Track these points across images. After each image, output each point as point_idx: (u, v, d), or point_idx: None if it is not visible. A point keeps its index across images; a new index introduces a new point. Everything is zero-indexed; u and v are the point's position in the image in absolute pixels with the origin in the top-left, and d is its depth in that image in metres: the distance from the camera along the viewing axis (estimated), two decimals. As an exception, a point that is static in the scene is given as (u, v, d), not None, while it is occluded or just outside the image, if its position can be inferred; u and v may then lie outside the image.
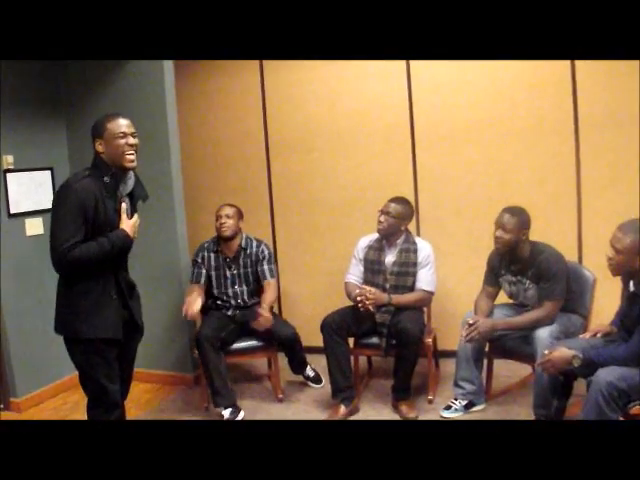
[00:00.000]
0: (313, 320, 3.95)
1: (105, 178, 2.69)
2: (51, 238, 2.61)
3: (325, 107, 4.63)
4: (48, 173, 4.27)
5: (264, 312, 3.77)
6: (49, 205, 4.20)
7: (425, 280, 3.79)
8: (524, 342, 3.41)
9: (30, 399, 4.13)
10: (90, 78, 4.38)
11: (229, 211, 4.08)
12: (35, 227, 4.15)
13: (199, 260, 4.12)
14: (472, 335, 3.38)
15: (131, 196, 2.85)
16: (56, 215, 2.62)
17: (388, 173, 4.49)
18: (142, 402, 4.15)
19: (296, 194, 4.82)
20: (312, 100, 4.66)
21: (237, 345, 3.95)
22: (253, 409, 3.89)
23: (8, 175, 3.97)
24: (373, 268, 3.88)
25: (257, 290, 4.15)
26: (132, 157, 2.70)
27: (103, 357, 2.72)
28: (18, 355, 4.05)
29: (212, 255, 4.11)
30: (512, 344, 3.52)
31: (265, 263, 4.11)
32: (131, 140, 2.70)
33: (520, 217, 3.41)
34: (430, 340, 3.83)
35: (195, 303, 3.79)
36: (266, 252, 4.15)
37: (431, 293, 3.83)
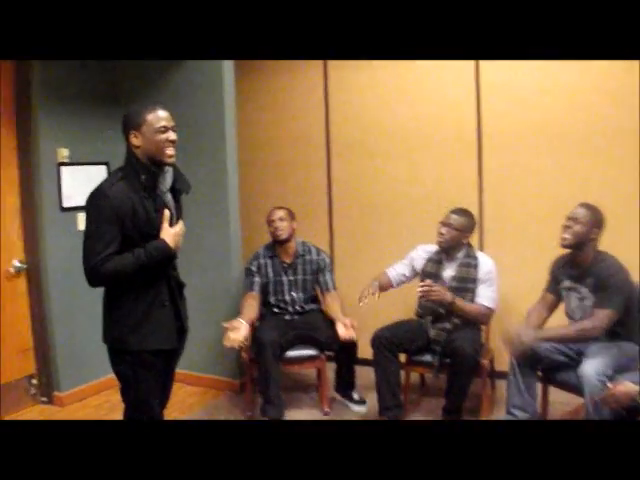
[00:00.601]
0: (368, 331, 3.77)
1: (142, 177, 2.49)
2: (84, 250, 2.45)
3: (389, 109, 4.46)
4: (103, 168, 4.24)
5: (348, 322, 3.70)
6: None
7: (485, 296, 3.60)
8: (574, 372, 3.05)
9: (73, 394, 4.12)
10: (148, 74, 4.34)
11: (281, 214, 3.97)
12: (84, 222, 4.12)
13: (253, 269, 4.01)
14: (515, 346, 3.15)
15: (173, 191, 2.65)
16: (89, 225, 2.46)
17: (452, 180, 4.29)
18: (185, 405, 4.09)
19: (356, 199, 4.67)
20: (376, 102, 4.50)
21: (291, 353, 3.82)
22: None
23: (62, 168, 3.96)
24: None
25: (314, 297, 4.07)
26: (172, 152, 2.51)
27: (150, 370, 2.55)
28: (65, 349, 4.05)
29: (269, 261, 4.01)
30: (563, 375, 3.22)
31: (327, 273, 4.04)
32: (172, 135, 2.50)
33: (595, 214, 3.14)
34: (486, 361, 3.62)
35: (238, 332, 3.63)
36: (327, 260, 4.07)
37: (491, 310, 3.63)
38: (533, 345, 3.16)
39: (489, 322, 3.77)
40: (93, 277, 2.45)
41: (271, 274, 3.99)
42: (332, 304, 3.94)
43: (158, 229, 2.54)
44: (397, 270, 3.86)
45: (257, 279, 3.98)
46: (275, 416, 3.62)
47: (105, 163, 4.27)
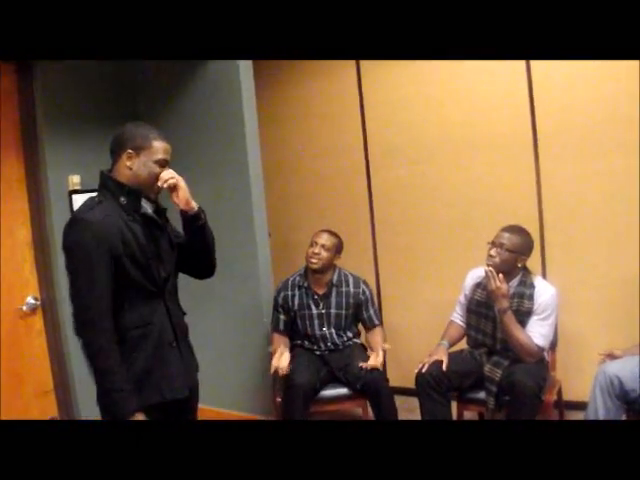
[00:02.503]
0: (416, 357, 3.45)
1: (121, 199, 2.20)
2: (72, 300, 2.14)
3: (432, 112, 4.08)
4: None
5: (377, 355, 3.46)
6: None
7: (535, 331, 3.14)
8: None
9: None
10: (161, 93, 4.13)
11: (327, 241, 3.65)
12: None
13: (279, 301, 3.73)
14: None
15: (158, 212, 2.36)
16: (70, 267, 2.14)
17: (506, 187, 3.88)
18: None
19: (400, 212, 4.30)
20: (417, 104, 4.13)
21: (326, 392, 3.51)
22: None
23: (74, 196, 3.74)
24: (480, 311, 3.32)
25: (352, 331, 3.75)
26: (159, 188, 2.26)
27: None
28: (86, 389, 3.71)
29: (297, 293, 3.70)
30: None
31: (370, 307, 3.71)
32: (166, 173, 2.27)
33: None
34: (551, 397, 3.21)
35: (282, 357, 3.44)
36: (367, 293, 3.71)
37: (540, 349, 3.15)
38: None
39: (534, 360, 3.15)
40: (79, 333, 2.14)
41: (297, 307, 3.67)
42: (373, 338, 3.64)
43: (154, 256, 2.25)
44: (460, 313, 3.50)
45: (282, 317, 3.72)
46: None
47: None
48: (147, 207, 2.29)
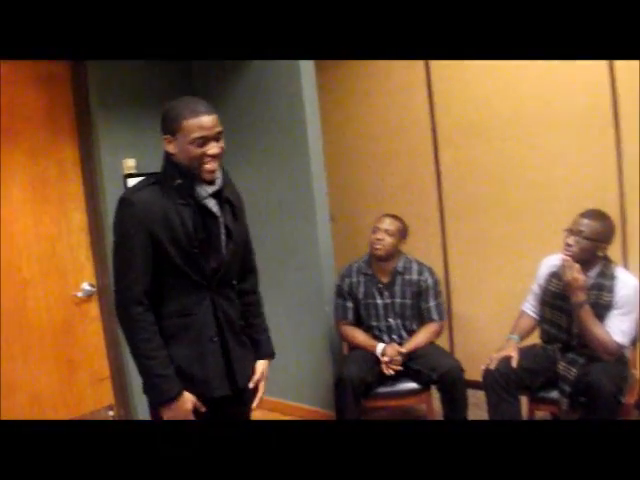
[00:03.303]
0: (486, 349, 3.26)
1: (177, 181, 2.10)
2: (114, 276, 2.14)
3: (504, 86, 3.78)
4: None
5: (400, 350, 3.27)
6: None
7: (615, 326, 2.86)
8: None
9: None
10: (219, 77, 4.02)
11: (390, 226, 3.44)
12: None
13: (345, 288, 3.54)
14: None
15: (218, 198, 2.18)
16: (115, 244, 2.14)
17: (584, 169, 3.56)
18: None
19: (471, 193, 4.03)
20: (488, 78, 3.84)
21: (385, 389, 3.34)
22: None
23: (129, 180, 3.66)
24: (554, 304, 3.06)
25: (420, 322, 3.51)
26: (212, 167, 2.10)
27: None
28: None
29: (362, 279, 3.51)
30: None
31: (431, 298, 3.46)
32: (212, 149, 2.08)
33: None
34: (632, 398, 2.94)
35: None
36: (430, 281, 3.47)
37: (619, 346, 2.87)
38: None
39: (613, 357, 2.89)
40: (119, 311, 2.11)
41: (362, 295, 3.48)
42: (421, 333, 3.42)
43: (203, 245, 2.13)
44: (532, 303, 3.24)
45: (349, 304, 3.52)
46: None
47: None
48: (203, 189, 2.13)
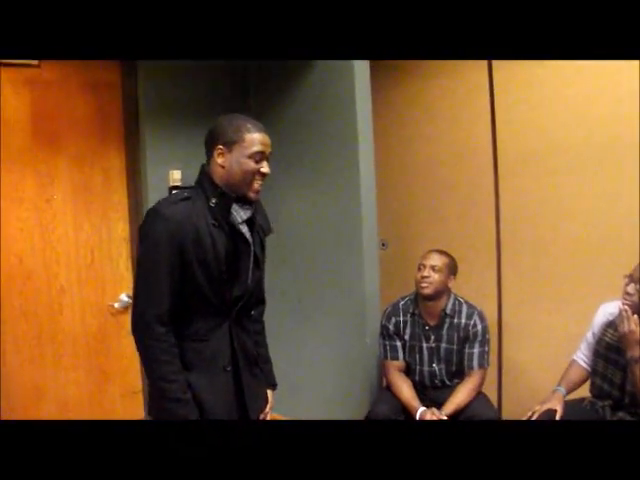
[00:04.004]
0: (537, 394, 3.07)
1: (212, 200, 2.05)
2: (134, 295, 2.05)
3: (573, 114, 3.53)
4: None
5: (440, 418, 3.02)
6: None
7: None
8: None
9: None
10: (273, 91, 3.94)
11: (437, 261, 3.22)
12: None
13: (391, 327, 3.33)
14: None
15: (250, 224, 2.17)
16: (141, 259, 2.06)
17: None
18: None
19: (530, 227, 3.77)
20: (555, 105, 3.59)
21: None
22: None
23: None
24: (608, 356, 2.81)
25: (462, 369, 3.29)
26: (260, 187, 2.09)
27: None
28: None
29: (409, 320, 3.30)
30: None
31: (477, 344, 3.21)
32: (265, 167, 2.08)
33: None
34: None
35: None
36: (479, 327, 3.22)
37: None
38: None
39: None
40: (138, 331, 2.02)
41: (408, 337, 3.29)
42: (461, 386, 3.17)
43: (231, 271, 2.07)
44: (585, 352, 3.01)
45: (398, 343, 3.31)
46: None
47: (224, 185, 3.87)
48: (239, 214, 2.09)
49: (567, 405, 2.84)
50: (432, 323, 3.25)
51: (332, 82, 3.58)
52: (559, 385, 2.97)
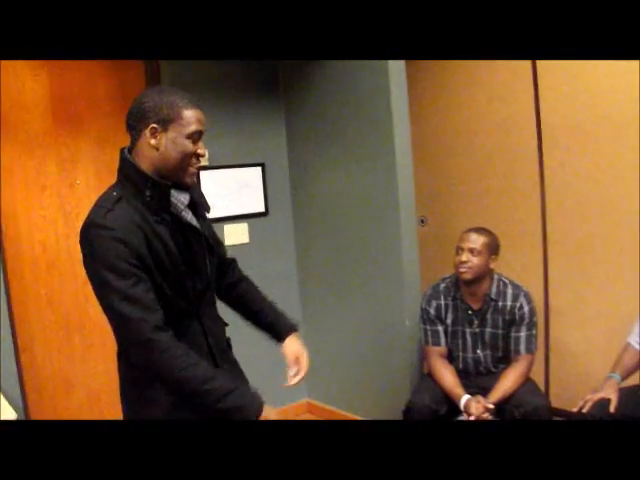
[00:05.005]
0: (587, 379, 2.96)
1: (146, 193, 1.77)
2: (114, 319, 1.75)
3: (618, 82, 3.28)
4: (257, 170, 3.72)
5: (487, 406, 2.84)
6: (259, 208, 3.73)
7: None
8: None
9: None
10: (306, 74, 3.79)
11: (476, 243, 2.95)
12: (238, 234, 3.64)
13: (432, 311, 3.12)
14: None
15: (192, 208, 1.91)
16: (97, 279, 1.74)
17: None
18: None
19: (576, 199, 3.55)
20: (602, 72, 3.34)
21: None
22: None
23: (202, 173, 3.48)
24: (668, 340, 2.62)
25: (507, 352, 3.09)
26: (195, 171, 1.84)
27: None
28: None
29: (450, 304, 3.09)
30: None
31: (524, 327, 2.98)
32: (202, 149, 1.82)
33: None
34: None
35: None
36: (526, 308, 2.99)
37: None
38: None
39: None
40: (142, 350, 1.72)
41: (450, 321, 3.09)
42: (507, 374, 2.97)
43: (188, 268, 1.84)
44: None
45: (440, 327, 3.10)
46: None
47: (261, 164, 3.75)
48: (179, 201, 1.84)
49: (622, 393, 2.65)
50: (475, 307, 3.05)
51: (366, 74, 3.42)
52: (613, 371, 2.77)
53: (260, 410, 1.79)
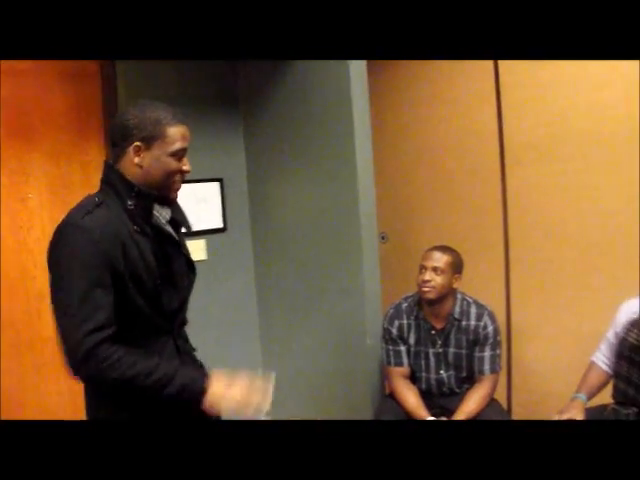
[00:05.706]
0: (549, 399, 2.95)
1: (129, 202, 1.73)
2: (60, 328, 1.67)
3: (585, 97, 3.28)
4: (215, 185, 3.65)
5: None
6: (217, 224, 3.64)
7: None
8: None
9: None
10: (264, 78, 3.75)
11: (440, 262, 2.92)
12: (195, 251, 3.54)
13: (394, 331, 3.06)
14: None
15: (173, 224, 1.90)
16: (59, 280, 1.67)
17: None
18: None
19: (540, 221, 3.55)
20: (566, 87, 3.35)
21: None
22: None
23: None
24: (633, 359, 2.58)
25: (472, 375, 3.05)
26: (180, 187, 1.84)
27: None
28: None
29: (412, 323, 3.04)
30: None
31: (487, 348, 2.96)
32: (187, 165, 1.81)
33: None
34: None
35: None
36: (490, 328, 2.96)
37: None
38: None
39: None
40: (83, 366, 1.62)
41: (412, 341, 3.04)
42: (472, 393, 2.94)
43: (165, 281, 1.79)
44: (605, 353, 2.78)
45: (403, 347, 3.06)
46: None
47: (219, 180, 3.68)
48: (161, 214, 1.81)
49: (588, 414, 2.63)
50: (438, 327, 3.01)
51: (327, 71, 3.36)
52: (578, 391, 2.74)
53: (206, 381, 1.73)
